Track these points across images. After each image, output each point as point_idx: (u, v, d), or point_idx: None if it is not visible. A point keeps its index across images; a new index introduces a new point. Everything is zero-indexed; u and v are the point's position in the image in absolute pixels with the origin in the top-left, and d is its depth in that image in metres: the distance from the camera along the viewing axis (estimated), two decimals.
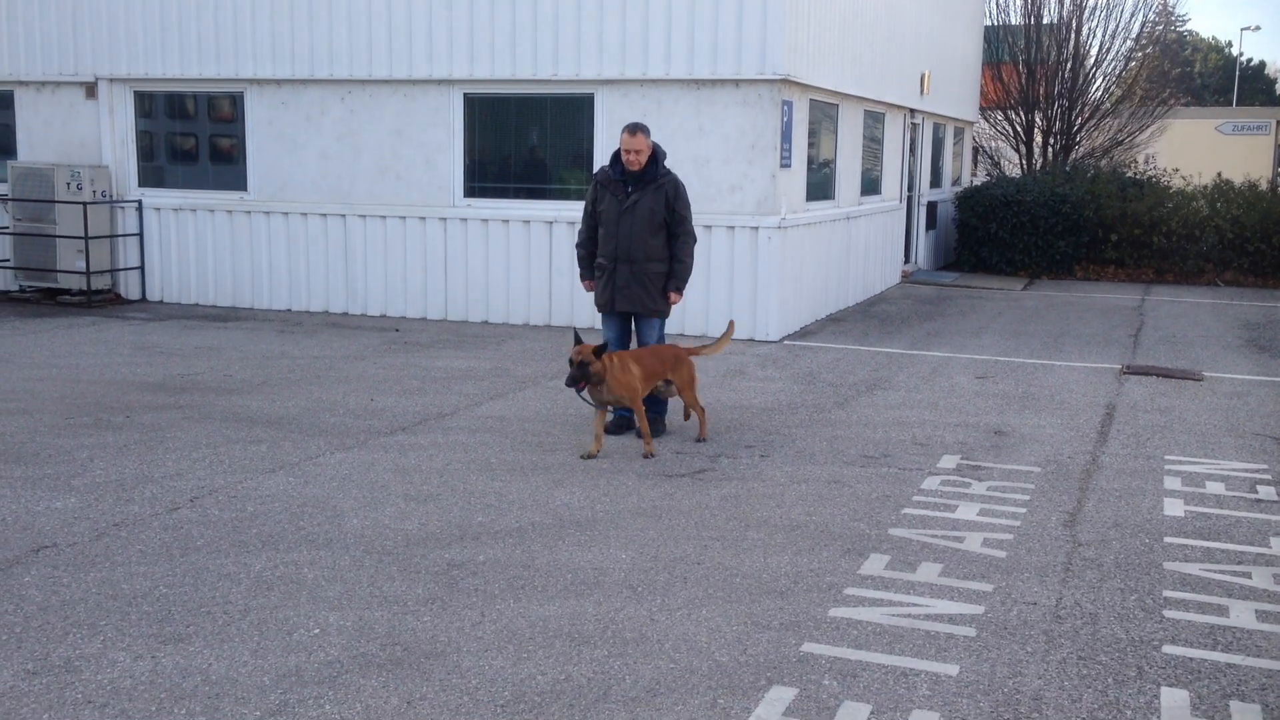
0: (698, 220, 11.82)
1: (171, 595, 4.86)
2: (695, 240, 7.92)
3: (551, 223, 12.37)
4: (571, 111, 12.35)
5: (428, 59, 12.45)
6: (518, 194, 12.71)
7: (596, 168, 12.42)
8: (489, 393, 9.08)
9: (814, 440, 7.75)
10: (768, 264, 11.72)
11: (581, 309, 12.35)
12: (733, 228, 11.78)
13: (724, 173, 11.77)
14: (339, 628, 4.57)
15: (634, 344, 7.97)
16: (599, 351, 7.06)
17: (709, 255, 11.84)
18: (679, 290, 7.79)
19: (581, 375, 7.04)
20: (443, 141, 12.64)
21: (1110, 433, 8.12)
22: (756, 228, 11.68)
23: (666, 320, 8.06)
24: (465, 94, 12.51)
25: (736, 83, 11.60)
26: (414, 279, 12.89)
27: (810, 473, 6.95)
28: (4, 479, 6.43)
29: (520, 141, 12.80)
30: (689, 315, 11.97)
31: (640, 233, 7.63)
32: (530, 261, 12.50)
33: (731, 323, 8.47)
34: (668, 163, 11.58)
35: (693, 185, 11.85)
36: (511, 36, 12.15)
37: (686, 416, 7.90)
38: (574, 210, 12.26)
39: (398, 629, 4.57)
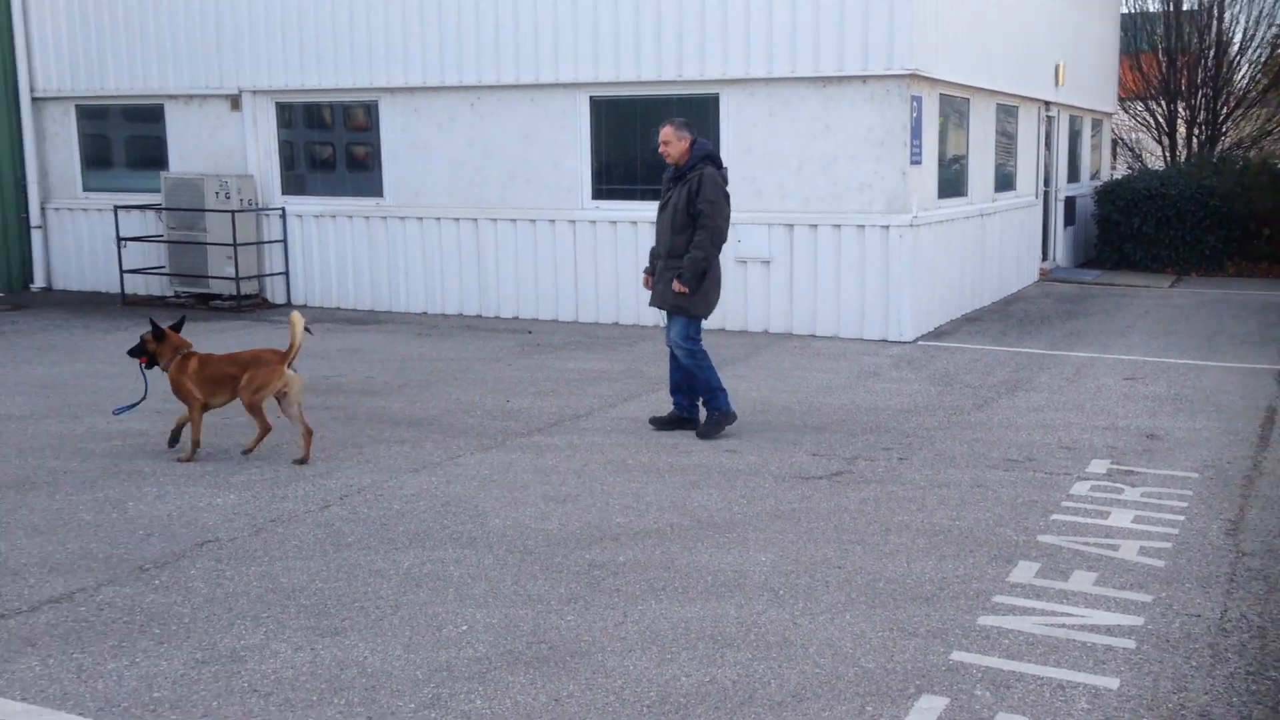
0: (825, 219, 11.80)
1: (326, 590, 5.01)
2: (717, 237, 7.60)
3: None
4: (697, 112, 12.33)
5: (554, 63, 12.59)
6: (645, 195, 12.74)
7: (724, 167, 12.40)
8: (623, 394, 9.14)
9: (954, 443, 7.60)
10: (899, 263, 11.54)
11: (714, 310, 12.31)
12: (862, 227, 11.62)
13: (852, 171, 11.63)
14: (486, 625, 4.65)
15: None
16: (158, 334, 7.00)
17: (839, 255, 11.73)
18: (684, 281, 7.60)
19: (139, 349, 7.09)
20: (570, 144, 12.77)
21: (1271, 437, 7.77)
22: (887, 226, 11.51)
23: (694, 319, 7.78)
24: (591, 97, 12.62)
25: (864, 79, 11.45)
26: (545, 281, 13.05)
27: (951, 476, 6.82)
28: (169, 476, 6.72)
29: (646, 143, 12.84)
30: (820, 316, 11.87)
31: (666, 229, 7.68)
32: None
33: (294, 314, 7.06)
34: (795, 162, 11.67)
35: (820, 184, 11.79)
36: (636, 39, 12.21)
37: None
38: None
39: (542, 627, 4.63)
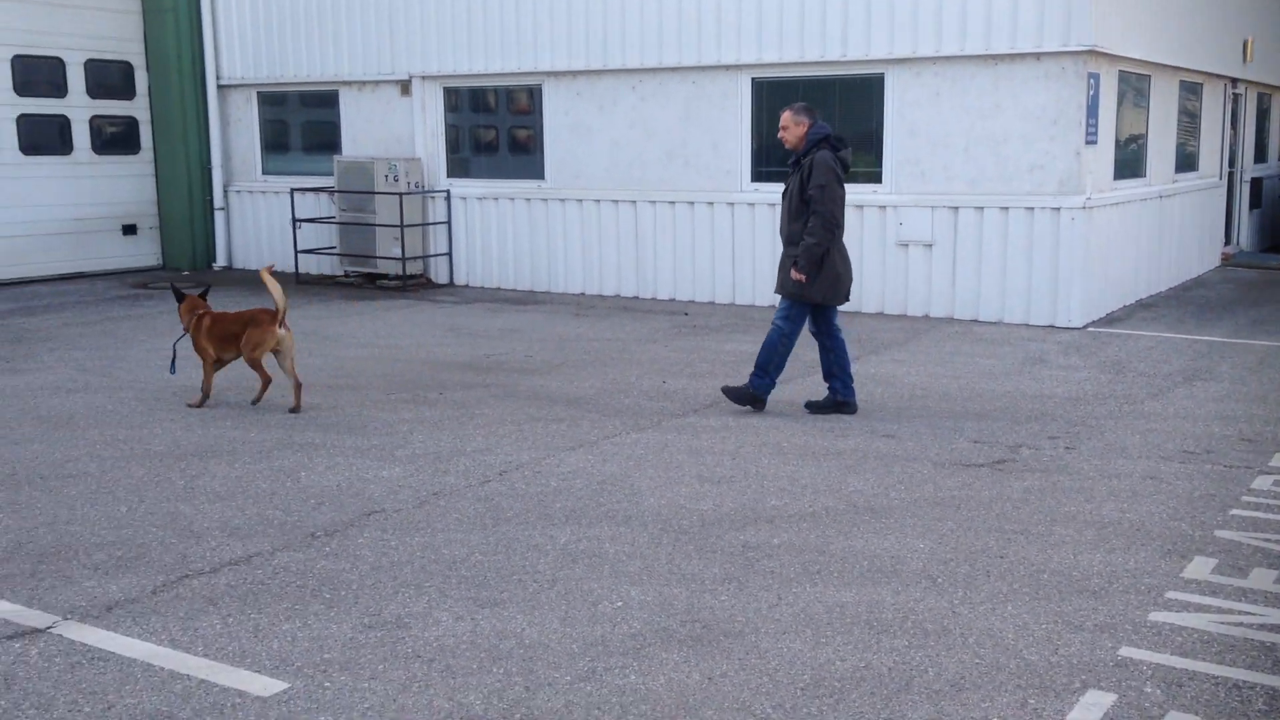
0: (992, 201, 11.48)
1: (486, 562, 5.13)
2: (830, 223, 7.43)
3: None
4: (861, 93, 12.15)
5: (716, 45, 12.56)
6: None
7: (886, 149, 12.24)
8: (779, 377, 9.06)
9: (1125, 433, 7.31)
10: (1070, 247, 11.14)
11: (871, 293, 12.14)
12: (1031, 209, 11.26)
13: (1022, 151, 11.27)
14: (640, 602, 4.69)
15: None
16: (179, 297, 8.03)
17: (1005, 238, 11.40)
18: (800, 269, 7.51)
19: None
20: (730, 127, 12.72)
21: None
22: (1058, 208, 11.12)
23: (801, 304, 7.66)
24: (753, 78, 12.54)
25: (1038, 56, 11.07)
26: (702, 263, 13.06)
27: (1122, 467, 6.56)
28: (339, 448, 6.99)
29: None
30: (984, 301, 11.56)
31: (785, 216, 7.66)
32: None
33: (265, 271, 7.97)
34: (962, 143, 11.37)
35: (988, 165, 11.46)
36: (800, 19, 12.07)
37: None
38: (860, 194, 12.09)
39: (696, 606, 4.65)
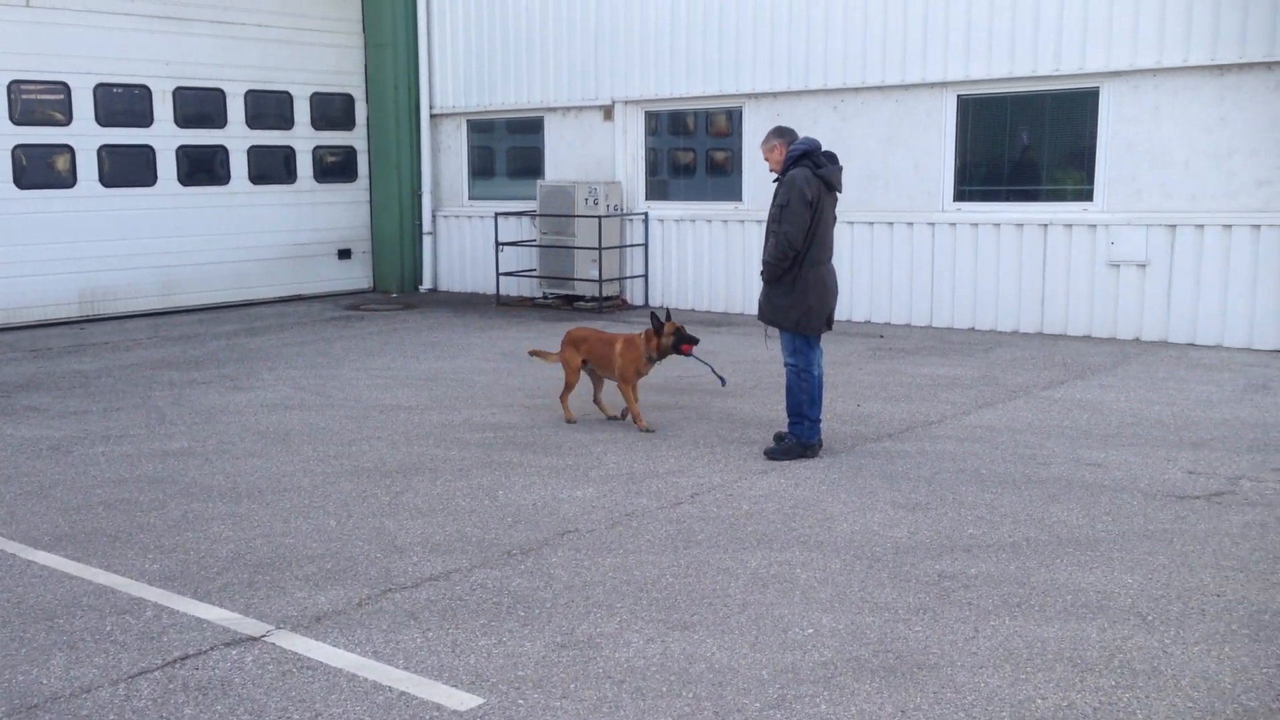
0: (1214, 219, 10.90)
1: (677, 585, 5.16)
2: (787, 243, 6.99)
3: (1046, 225, 11.80)
4: (1071, 108, 11.72)
5: (921, 63, 12.34)
6: (1009, 197, 12.26)
7: (1099, 166, 11.74)
8: (976, 401, 8.83)
9: None
10: None
11: (1078, 315, 11.67)
12: (1258, 226, 10.64)
13: (1250, 166, 10.66)
14: (832, 630, 4.63)
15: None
16: (658, 327, 8.01)
17: (1227, 257, 10.81)
18: (764, 278, 7.34)
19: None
20: (932, 145, 12.47)
21: None
22: None
23: (795, 335, 7.31)
24: (959, 95, 12.27)
25: (1269, 65, 10.44)
26: (899, 285, 12.82)
27: None
28: (535, 468, 7.16)
29: (1013, 142, 12.34)
30: (1201, 324, 10.95)
31: (763, 238, 7.41)
32: (1021, 266, 12.00)
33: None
34: (1181, 157, 10.81)
35: (1209, 181, 10.88)
36: (1010, 33, 11.74)
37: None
38: (1069, 213, 11.67)
39: (889, 636, 4.56)
